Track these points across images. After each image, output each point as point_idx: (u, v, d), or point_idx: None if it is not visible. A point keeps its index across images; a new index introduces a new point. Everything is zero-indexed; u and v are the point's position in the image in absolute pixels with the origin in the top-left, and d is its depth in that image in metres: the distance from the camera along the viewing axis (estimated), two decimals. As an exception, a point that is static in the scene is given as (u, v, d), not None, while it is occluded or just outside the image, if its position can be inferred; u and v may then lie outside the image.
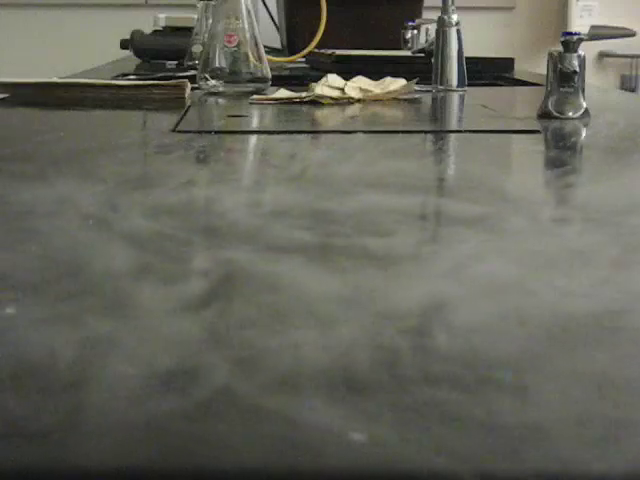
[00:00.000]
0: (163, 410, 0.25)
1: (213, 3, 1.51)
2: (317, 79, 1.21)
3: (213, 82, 1.27)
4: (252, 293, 0.37)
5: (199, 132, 0.90)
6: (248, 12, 1.30)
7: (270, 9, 2.43)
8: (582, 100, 0.98)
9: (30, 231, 0.48)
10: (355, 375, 0.28)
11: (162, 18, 2.15)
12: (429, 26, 1.91)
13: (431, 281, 0.40)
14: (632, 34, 1.56)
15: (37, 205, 0.55)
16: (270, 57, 1.53)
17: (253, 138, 0.91)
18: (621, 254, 0.45)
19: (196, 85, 1.27)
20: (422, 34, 1.97)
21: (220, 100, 1.22)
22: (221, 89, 1.27)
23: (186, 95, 1.17)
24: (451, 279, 0.40)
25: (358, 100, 1.15)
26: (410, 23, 1.97)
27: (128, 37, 2.09)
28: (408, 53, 1.85)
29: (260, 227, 0.50)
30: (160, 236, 0.47)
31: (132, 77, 1.53)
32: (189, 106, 1.10)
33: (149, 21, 2.18)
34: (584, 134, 0.92)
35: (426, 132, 0.95)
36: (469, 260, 0.43)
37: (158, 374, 0.28)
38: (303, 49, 1.81)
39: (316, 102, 1.12)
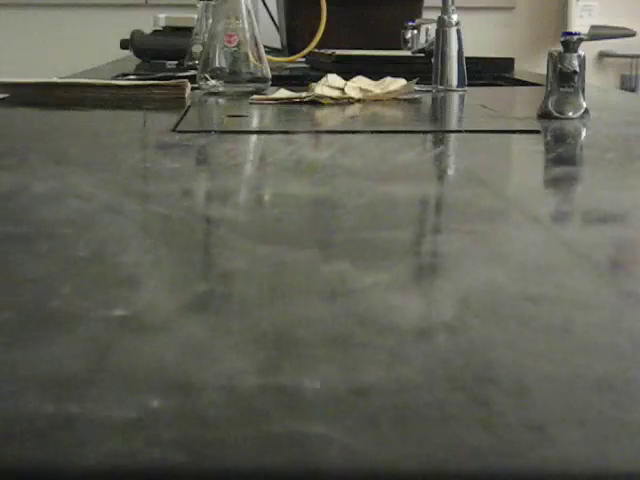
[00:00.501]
0: (163, 409, 0.25)
1: (213, 3, 1.51)
2: (317, 79, 1.21)
3: (213, 82, 1.27)
4: (260, 289, 0.37)
5: (199, 132, 0.90)
6: (248, 12, 1.30)
7: (270, 9, 2.43)
8: (582, 100, 0.98)
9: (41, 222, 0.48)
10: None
11: (162, 18, 2.14)
12: (429, 26, 1.91)
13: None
14: (632, 34, 1.55)
15: (44, 197, 0.55)
16: (270, 57, 1.53)
17: (253, 138, 0.91)
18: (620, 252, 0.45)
19: (196, 85, 1.27)
20: (422, 34, 1.97)
21: (220, 100, 1.22)
22: (221, 89, 1.27)
23: (186, 95, 1.17)
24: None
25: (358, 100, 1.15)
26: (410, 23, 1.97)
27: (128, 37, 2.09)
28: (408, 53, 1.85)
29: (263, 223, 0.50)
30: (166, 231, 0.47)
31: (132, 77, 1.53)
32: (189, 106, 1.10)
33: (149, 21, 2.18)
34: (584, 134, 0.92)
35: (426, 132, 0.95)
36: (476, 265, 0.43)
37: (160, 373, 0.28)
38: (303, 49, 1.81)
39: (316, 102, 1.12)
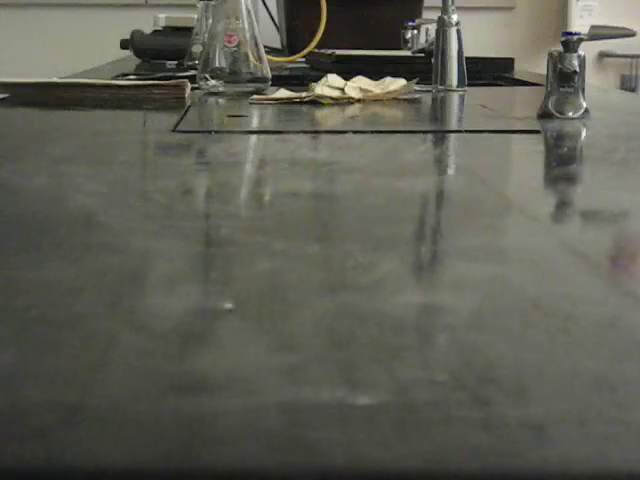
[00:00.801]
0: (164, 410, 0.26)
1: (213, 3, 1.51)
2: (317, 79, 1.21)
3: (213, 82, 1.27)
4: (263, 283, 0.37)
5: (199, 132, 0.90)
6: (248, 12, 1.30)
7: (270, 9, 2.43)
8: (582, 100, 0.98)
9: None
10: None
11: (162, 18, 2.14)
12: (429, 26, 1.90)
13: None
14: (632, 34, 1.55)
15: (48, 191, 0.55)
16: (270, 57, 1.52)
17: (253, 138, 0.91)
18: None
19: (196, 85, 1.27)
20: (422, 34, 1.97)
21: (220, 100, 1.22)
22: (221, 89, 1.27)
23: (186, 95, 1.17)
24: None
25: (358, 100, 1.15)
26: (410, 23, 1.97)
27: (128, 37, 2.09)
28: (408, 53, 1.84)
29: (274, 219, 0.50)
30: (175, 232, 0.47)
31: (132, 77, 1.53)
32: (189, 106, 1.10)
33: (149, 21, 2.18)
34: (584, 134, 0.92)
35: (426, 132, 0.95)
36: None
37: (161, 372, 0.28)
38: (303, 49, 1.81)
39: (316, 102, 1.12)
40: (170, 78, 1.29)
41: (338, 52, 1.74)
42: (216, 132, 0.91)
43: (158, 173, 0.69)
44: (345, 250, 0.44)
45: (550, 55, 0.99)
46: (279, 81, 1.42)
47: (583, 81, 0.98)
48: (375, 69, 1.42)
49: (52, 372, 0.28)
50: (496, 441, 0.24)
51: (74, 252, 0.44)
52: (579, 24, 3.09)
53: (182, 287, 0.38)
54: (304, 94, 1.14)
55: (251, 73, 1.29)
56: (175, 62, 1.97)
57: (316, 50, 1.78)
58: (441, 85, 1.35)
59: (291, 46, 2.16)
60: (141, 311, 0.35)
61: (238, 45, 1.29)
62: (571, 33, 0.98)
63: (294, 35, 2.17)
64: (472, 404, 0.26)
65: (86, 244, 0.45)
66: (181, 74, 1.53)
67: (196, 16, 1.86)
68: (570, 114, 0.98)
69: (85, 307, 0.35)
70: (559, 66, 0.98)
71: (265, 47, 1.40)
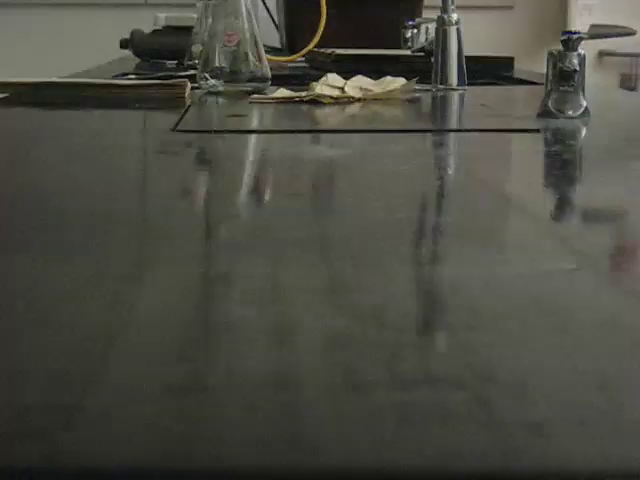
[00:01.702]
0: (164, 409, 0.25)
1: (213, 3, 1.51)
2: (317, 78, 1.21)
3: (213, 81, 1.27)
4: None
5: (199, 132, 0.90)
6: (248, 12, 1.30)
7: (270, 9, 2.43)
8: (582, 99, 0.98)
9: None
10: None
11: (162, 18, 2.14)
12: (429, 25, 1.90)
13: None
14: (632, 33, 1.55)
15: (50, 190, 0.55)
16: (270, 56, 1.52)
17: (253, 137, 0.91)
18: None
19: (196, 85, 1.27)
20: (422, 33, 1.97)
21: (220, 100, 1.22)
22: (221, 88, 1.27)
23: (186, 95, 1.17)
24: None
25: (358, 99, 1.15)
26: (410, 22, 1.97)
27: (128, 37, 2.09)
28: (408, 52, 1.84)
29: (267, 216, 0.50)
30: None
31: (132, 77, 1.53)
32: (189, 106, 1.10)
33: (149, 21, 2.17)
34: (584, 133, 0.92)
35: (426, 131, 0.95)
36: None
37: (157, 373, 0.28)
38: (303, 48, 1.81)
39: (316, 101, 1.12)
40: (170, 78, 1.29)
41: (338, 51, 1.74)
42: (216, 132, 0.91)
43: (158, 173, 0.69)
44: (339, 256, 0.44)
45: (550, 54, 0.99)
46: (279, 80, 1.42)
47: (583, 80, 0.98)
48: (375, 68, 1.42)
49: (52, 372, 0.28)
50: (496, 441, 0.24)
51: (71, 251, 0.44)
52: (579, 23, 3.09)
53: (181, 290, 0.38)
54: (304, 93, 1.14)
55: (251, 72, 1.29)
56: (175, 62, 1.97)
57: (316, 49, 1.78)
58: (441, 84, 1.34)
59: (291, 45, 2.16)
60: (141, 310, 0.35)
61: (238, 44, 1.29)
62: (571, 32, 0.98)
63: (294, 35, 2.17)
64: (472, 404, 0.26)
65: (85, 243, 0.45)
66: (181, 74, 1.53)
67: (196, 16, 1.86)
68: (570, 113, 0.98)
69: (84, 305, 0.35)
70: (559, 65, 0.98)
71: (265, 47, 1.40)
